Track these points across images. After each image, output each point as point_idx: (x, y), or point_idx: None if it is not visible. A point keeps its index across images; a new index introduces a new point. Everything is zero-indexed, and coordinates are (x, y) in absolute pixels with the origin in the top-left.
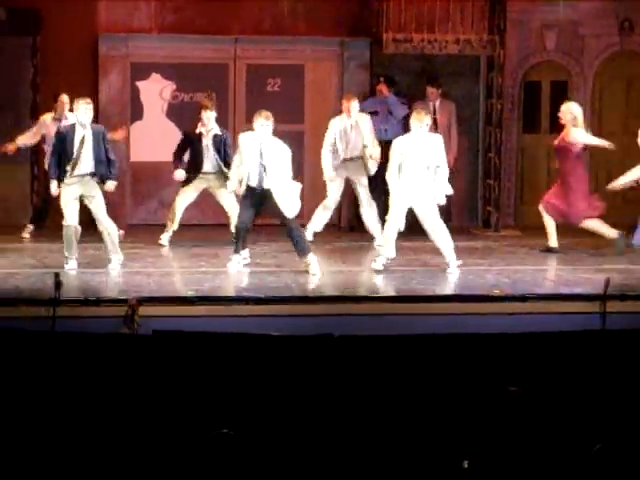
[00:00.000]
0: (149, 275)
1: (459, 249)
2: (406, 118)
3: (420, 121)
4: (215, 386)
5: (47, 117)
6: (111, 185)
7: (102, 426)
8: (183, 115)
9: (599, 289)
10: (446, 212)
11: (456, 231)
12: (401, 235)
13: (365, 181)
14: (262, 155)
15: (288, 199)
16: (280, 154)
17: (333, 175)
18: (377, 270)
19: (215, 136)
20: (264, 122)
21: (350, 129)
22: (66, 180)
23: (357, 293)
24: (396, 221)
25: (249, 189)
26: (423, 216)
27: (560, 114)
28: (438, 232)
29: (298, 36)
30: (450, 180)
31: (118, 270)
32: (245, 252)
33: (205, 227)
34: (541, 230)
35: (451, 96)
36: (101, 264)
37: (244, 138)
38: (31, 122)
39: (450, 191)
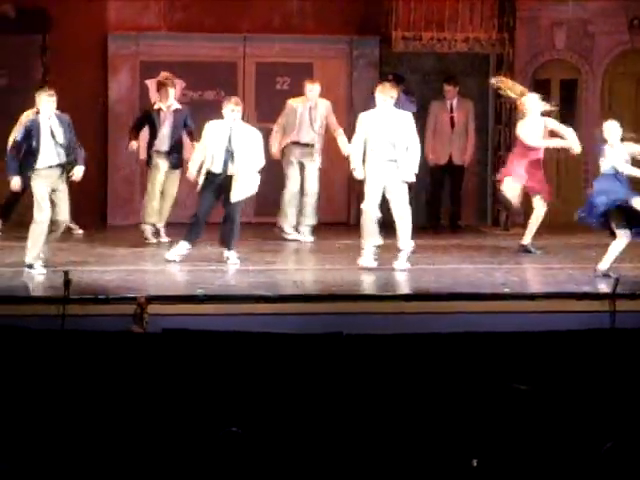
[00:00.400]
0: (158, 273)
1: (469, 248)
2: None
3: (384, 94)
4: (224, 384)
5: (29, 113)
6: (79, 171)
7: (112, 424)
8: (192, 113)
9: (609, 287)
10: (456, 211)
11: (465, 229)
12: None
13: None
14: (230, 141)
15: (243, 185)
16: (251, 140)
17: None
18: (365, 268)
19: (176, 111)
20: (234, 107)
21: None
22: (35, 173)
23: (366, 291)
24: (372, 202)
25: (212, 175)
26: (391, 196)
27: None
28: (403, 217)
29: (307, 34)
30: (464, 178)
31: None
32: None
33: (214, 225)
34: (550, 229)
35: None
36: (110, 262)
37: (210, 125)
38: None
39: (413, 174)
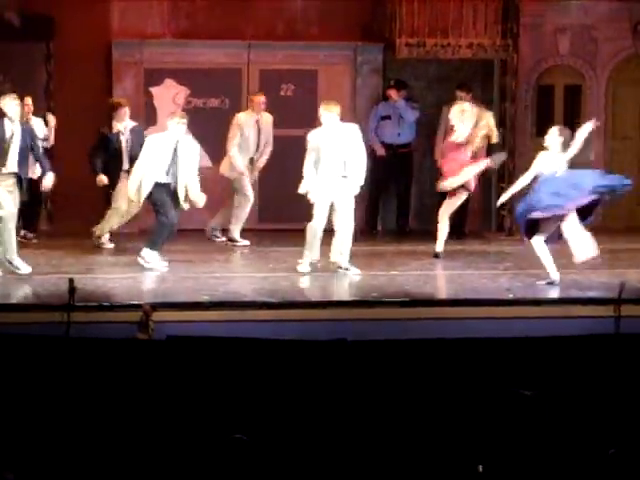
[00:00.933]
0: (163, 280)
1: (473, 253)
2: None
3: (329, 110)
4: (229, 391)
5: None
6: (49, 180)
7: (117, 431)
8: (197, 120)
9: (613, 293)
10: (461, 216)
11: (470, 235)
12: (413, 239)
13: None
14: (176, 152)
15: (191, 192)
16: (193, 151)
17: None
18: (303, 273)
19: (132, 130)
20: (180, 120)
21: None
22: None
23: (370, 298)
24: (320, 221)
25: (161, 186)
26: (340, 210)
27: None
28: (345, 231)
29: (311, 41)
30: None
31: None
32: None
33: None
34: None
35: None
36: (114, 269)
37: (153, 139)
38: (44, 128)
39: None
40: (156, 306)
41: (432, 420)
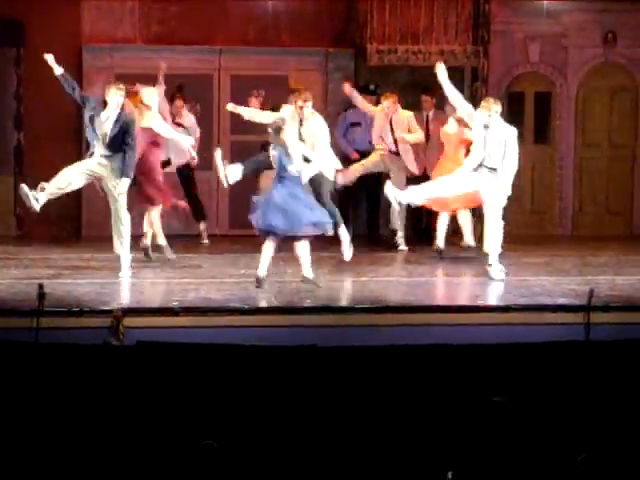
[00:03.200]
0: (133, 285)
1: (444, 260)
2: None
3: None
4: (199, 397)
5: None
6: None
7: (86, 437)
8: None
9: (583, 300)
10: (430, 223)
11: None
12: (383, 246)
13: None
14: None
15: None
16: None
17: None
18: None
19: None
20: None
21: None
22: None
23: (340, 304)
24: None
25: None
26: None
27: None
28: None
29: (282, 47)
30: None
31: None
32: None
33: (187, 237)
34: (525, 239)
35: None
36: (85, 274)
37: None
38: (15, 133)
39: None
40: (127, 311)
41: (402, 427)
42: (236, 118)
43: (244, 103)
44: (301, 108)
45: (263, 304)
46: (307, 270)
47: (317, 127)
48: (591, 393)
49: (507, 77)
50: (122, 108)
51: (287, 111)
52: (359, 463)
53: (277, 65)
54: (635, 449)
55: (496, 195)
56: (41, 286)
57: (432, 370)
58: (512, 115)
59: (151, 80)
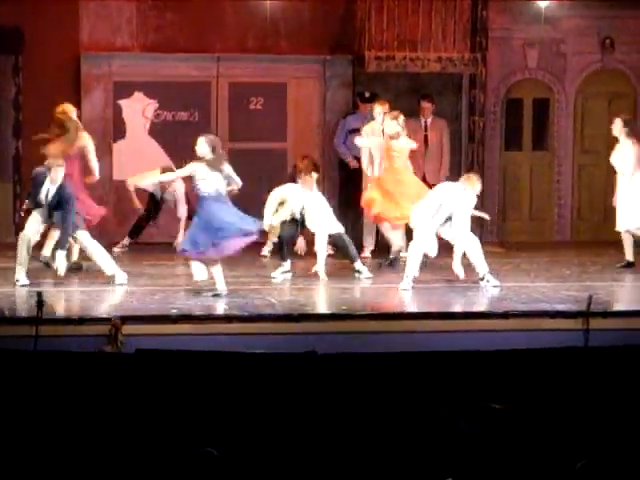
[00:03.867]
0: (132, 293)
1: (442, 266)
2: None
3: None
4: (198, 405)
5: None
6: None
7: (85, 445)
8: (166, 133)
9: (582, 306)
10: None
11: (440, 248)
12: (383, 253)
13: None
14: None
15: None
16: None
17: None
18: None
19: None
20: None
21: None
22: None
23: (340, 311)
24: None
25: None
26: None
27: None
28: None
29: (280, 54)
30: None
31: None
32: None
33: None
34: (524, 246)
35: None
36: (83, 282)
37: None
38: (14, 141)
39: None
40: (126, 319)
41: (401, 433)
42: (235, 126)
43: (242, 110)
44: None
45: (262, 311)
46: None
47: None
48: (590, 399)
49: (505, 84)
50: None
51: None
52: (359, 470)
53: (275, 72)
54: (634, 455)
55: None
56: (40, 294)
57: (431, 377)
58: (510, 122)
59: (149, 88)
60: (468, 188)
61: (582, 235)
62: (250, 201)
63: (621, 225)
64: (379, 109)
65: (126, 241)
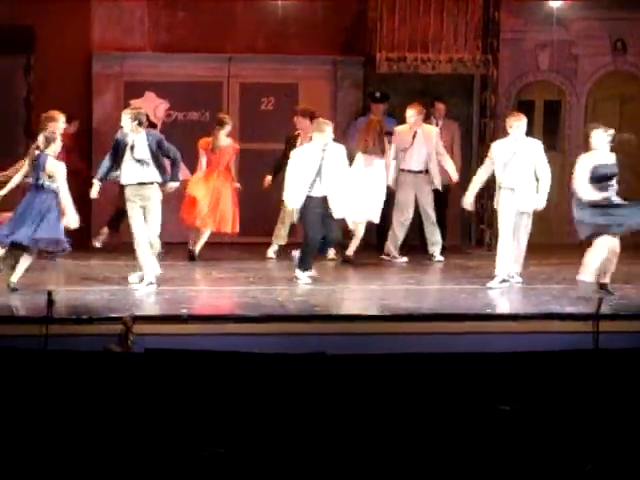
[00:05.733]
0: (141, 293)
1: (453, 268)
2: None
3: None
4: (208, 404)
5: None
6: (171, 188)
7: (95, 444)
8: (177, 133)
9: (592, 308)
10: (441, 232)
11: (450, 250)
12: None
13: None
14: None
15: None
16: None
17: None
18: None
19: None
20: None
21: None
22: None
23: (349, 312)
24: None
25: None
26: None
27: None
28: None
29: (291, 55)
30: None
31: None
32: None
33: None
34: (535, 248)
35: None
36: (93, 282)
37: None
38: (25, 139)
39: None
40: (136, 319)
41: (411, 435)
42: (246, 126)
43: (253, 111)
44: None
45: (272, 312)
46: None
47: None
48: (600, 402)
49: (517, 85)
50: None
51: None
52: (369, 472)
53: (286, 73)
54: None
55: None
56: (50, 293)
57: (440, 379)
58: None
59: (160, 88)
60: None
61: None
62: (261, 201)
63: None
64: (412, 112)
65: (105, 230)
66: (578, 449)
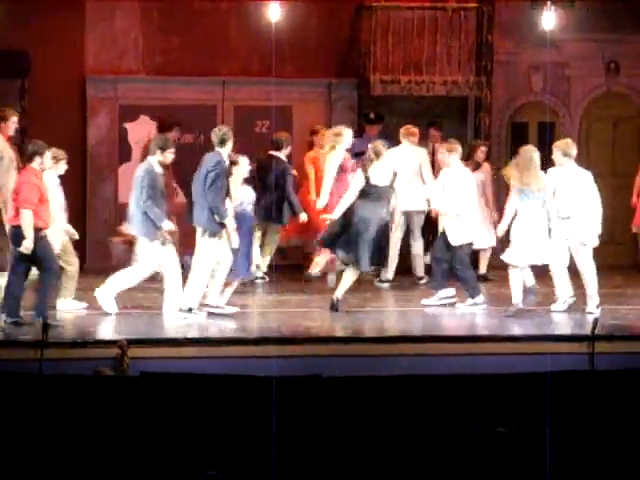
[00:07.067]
0: (136, 317)
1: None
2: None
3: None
4: (203, 428)
5: None
6: None
7: (90, 468)
8: None
9: (587, 329)
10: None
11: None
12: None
13: None
14: None
15: None
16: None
17: None
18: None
19: None
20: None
21: None
22: None
23: (345, 334)
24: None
25: None
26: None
27: None
28: None
29: (286, 77)
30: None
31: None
32: None
33: None
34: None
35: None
36: (88, 305)
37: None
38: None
39: None
40: (132, 342)
41: (406, 456)
42: (241, 149)
43: (248, 133)
44: None
45: (267, 334)
46: None
47: None
48: (596, 422)
49: (510, 107)
50: None
51: None
52: None
53: (280, 96)
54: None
55: None
56: (45, 317)
57: (436, 400)
58: (515, 145)
59: (154, 111)
60: None
61: None
62: None
63: None
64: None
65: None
66: (575, 469)
